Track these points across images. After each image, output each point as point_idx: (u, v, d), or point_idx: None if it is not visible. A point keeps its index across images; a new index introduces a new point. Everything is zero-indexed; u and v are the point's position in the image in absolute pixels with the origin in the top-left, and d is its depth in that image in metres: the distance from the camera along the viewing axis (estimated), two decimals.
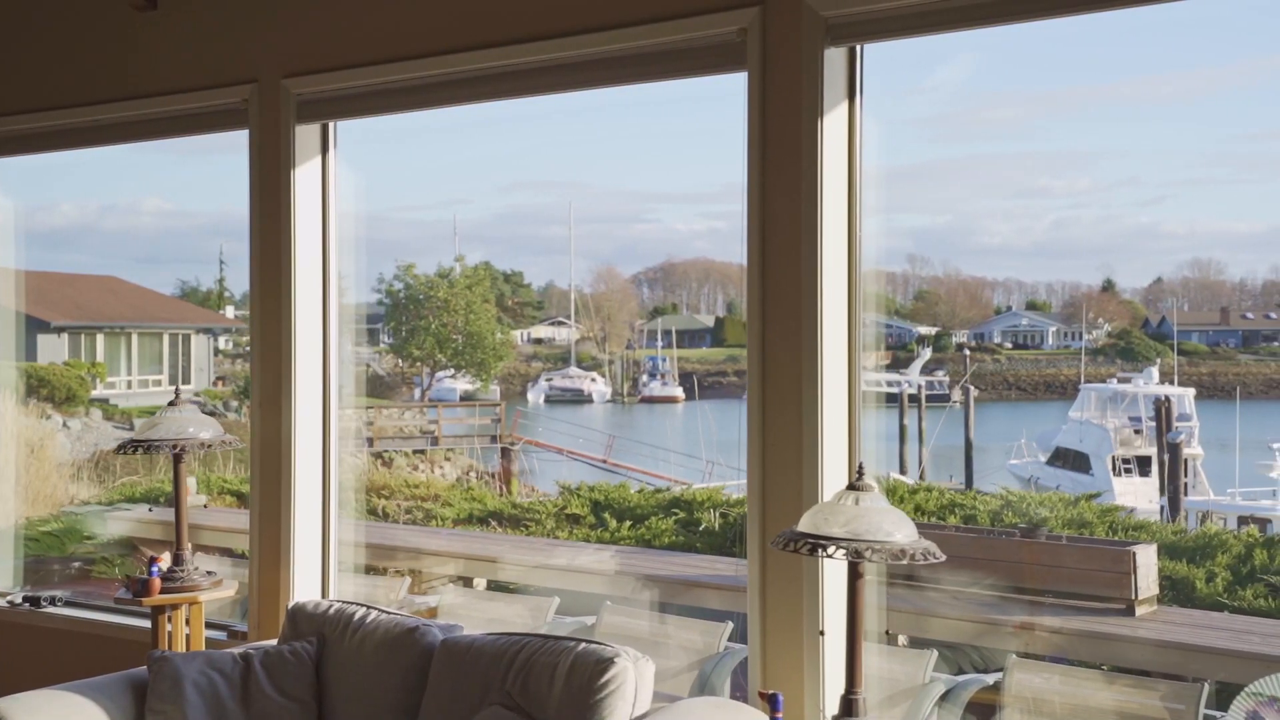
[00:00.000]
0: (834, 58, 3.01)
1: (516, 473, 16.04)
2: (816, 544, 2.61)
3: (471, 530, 6.81)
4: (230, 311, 21.33)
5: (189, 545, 3.61)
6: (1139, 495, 14.81)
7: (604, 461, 15.85)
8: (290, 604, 3.38)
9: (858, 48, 3.04)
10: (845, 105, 3.05)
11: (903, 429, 18.41)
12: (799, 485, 3.02)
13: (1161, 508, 13.01)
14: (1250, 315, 21.78)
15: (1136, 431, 15.84)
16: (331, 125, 3.80)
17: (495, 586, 5.67)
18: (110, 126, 4.07)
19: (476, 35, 3.39)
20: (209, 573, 3.61)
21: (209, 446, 3.54)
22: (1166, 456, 14.37)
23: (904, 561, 2.60)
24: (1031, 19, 2.95)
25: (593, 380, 20.87)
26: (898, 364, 22.28)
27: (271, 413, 3.76)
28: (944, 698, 3.46)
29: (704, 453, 16.62)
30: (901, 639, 5.16)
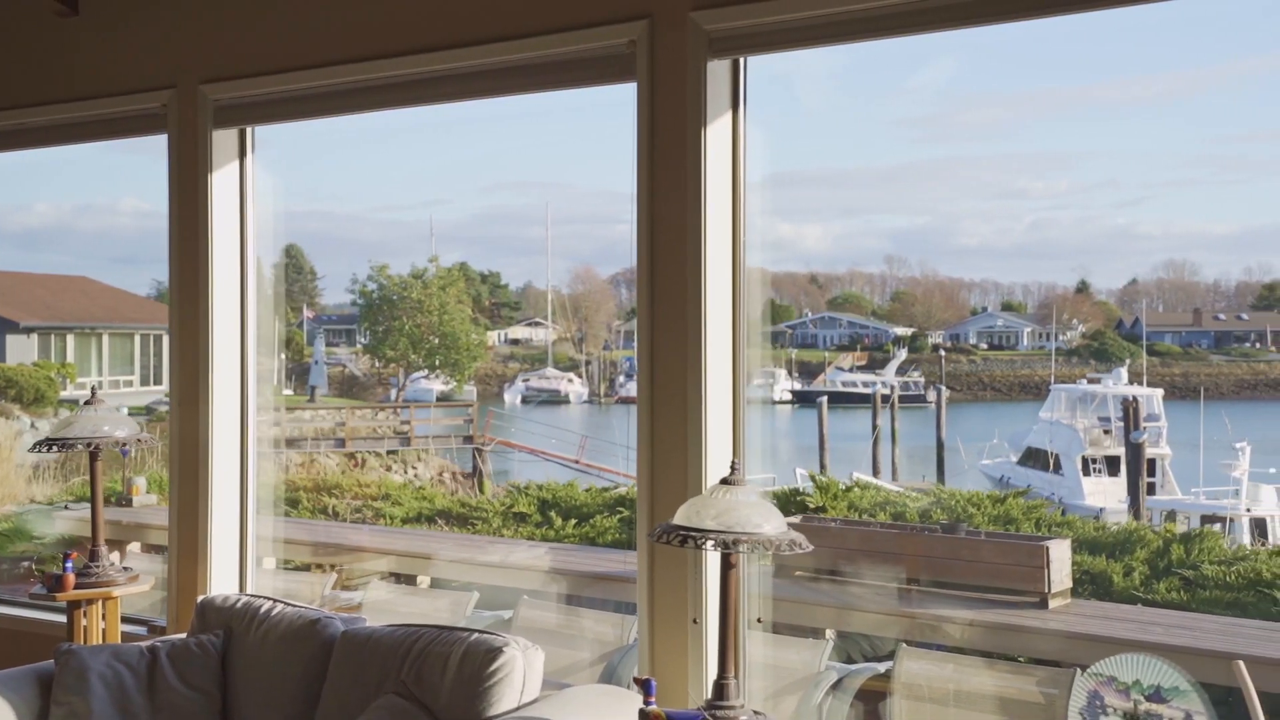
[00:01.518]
0: (717, 69, 3.11)
1: (489, 473, 16.12)
2: (688, 536, 2.72)
3: (419, 529, 6.91)
4: None
5: (106, 542, 3.70)
6: (1108, 495, 14.97)
7: (576, 462, 15.93)
8: (199, 598, 3.47)
9: (741, 60, 3.15)
10: (729, 115, 3.16)
11: (875, 429, 18.55)
12: (684, 480, 3.13)
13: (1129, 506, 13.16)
14: (1222, 316, 22.00)
15: (1106, 432, 16.00)
16: (249, 130, 3.90)
17: (439, 583, 5.77)
18: (33, 130, 4.16)
19: (386, 44, 3.50)
20: (125, 568, 3.70)
21: (124, 445, 3.63)
22: (1130, 456, 14.52)
23: (770, 551, 2.72)
24: (905, 34, 3.06)
25: (569, 381, 20.96)
26: (874, 364, 22.44)
27: (189, 412, 3.85)
28: (837, 685, 3.57)
29: None
30: (829, 632, 5.28)
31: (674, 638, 3.15)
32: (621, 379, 20.81)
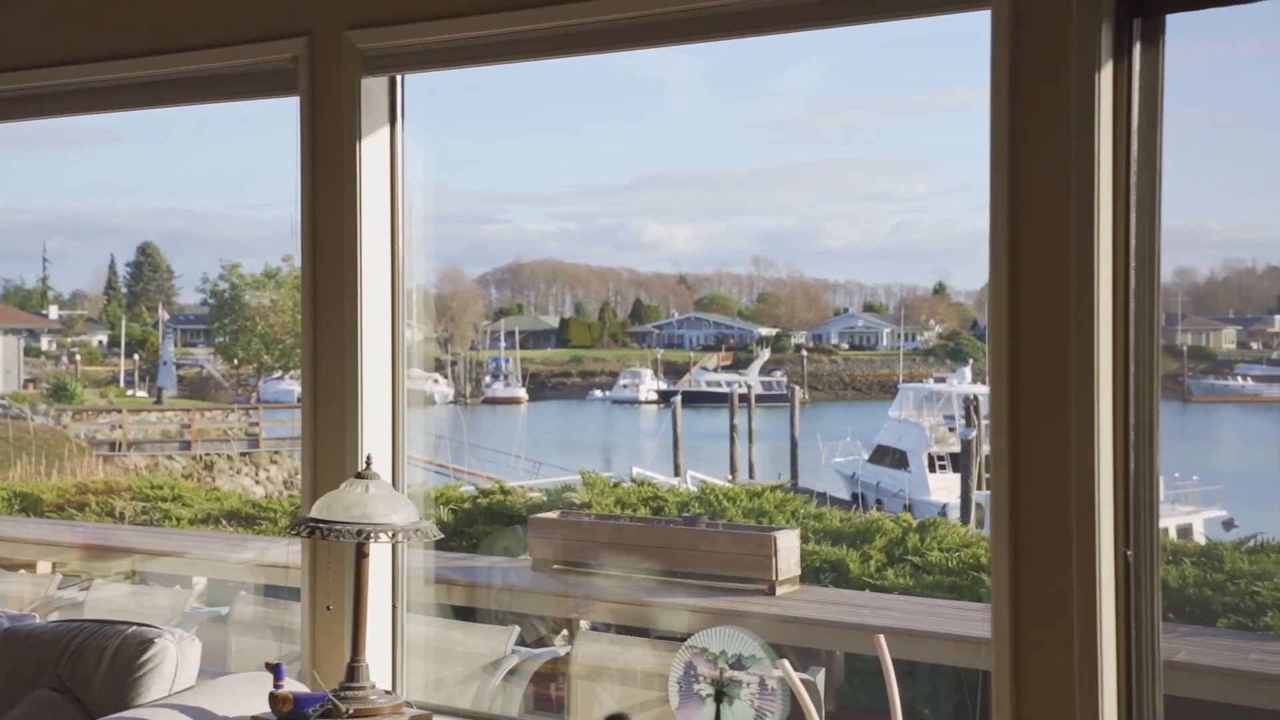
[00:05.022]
0: (373, 86, 3.28)
1: None
2: (317, 527, 2.89)
3: (205, 529, 6.91)
4: (54, 312, 20.63)
5: None
6: (952, 490, 15.66)
7: (428, 463, 15.94)
8: None
9: (398, 77, 3.33)
10: (387, 129, 3.33)
11: (733, 428, 19.01)
12: (343, 476, 3.29)
13: (977, 503, 13.82)
14: None
15: (950, 429, 16.73)
16: None
17: (216, 584, 5.81)
18: None
19: (58, 52, 3.57)
20: None
21: None
22: (963, 453, 15.27)
23: (398, 540, 2.92)
24: (551, 56, 3.28)
25: (435, 382, 20.88)
26: (739, 364, 22.98)
27: None
28: (516, 669, 3.78)
29: (532, 453, 16.89)
30: (583, 624, 5.51)
31: (337, 624, 3.31)
32: (488, 379, 20.83)
